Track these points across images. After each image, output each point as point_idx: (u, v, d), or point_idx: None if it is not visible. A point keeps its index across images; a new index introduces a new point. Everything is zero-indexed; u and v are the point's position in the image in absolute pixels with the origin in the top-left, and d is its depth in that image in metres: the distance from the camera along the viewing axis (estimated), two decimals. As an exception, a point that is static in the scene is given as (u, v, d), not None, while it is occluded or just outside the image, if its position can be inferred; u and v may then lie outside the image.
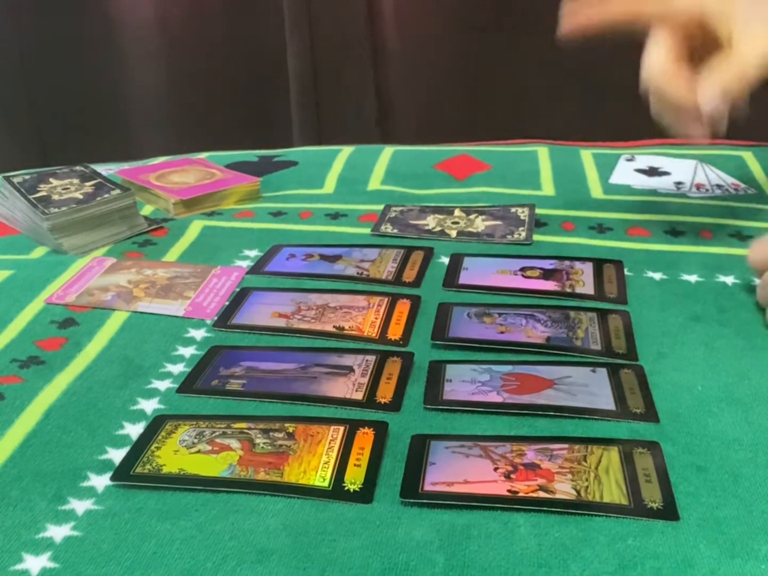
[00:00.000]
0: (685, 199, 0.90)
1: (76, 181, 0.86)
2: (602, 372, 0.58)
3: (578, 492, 0.47)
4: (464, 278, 0.73)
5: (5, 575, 0.43)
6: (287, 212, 0.89)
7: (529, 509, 0.46)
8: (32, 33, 1.72)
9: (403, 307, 0.68)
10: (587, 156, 1.02)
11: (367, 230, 0.84)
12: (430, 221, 0.85)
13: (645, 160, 1.01)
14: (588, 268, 0.74)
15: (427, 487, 0.48)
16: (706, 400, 0.56)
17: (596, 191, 0.93)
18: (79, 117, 1.77)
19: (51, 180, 0.86)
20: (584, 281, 0.72)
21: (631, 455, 0.50)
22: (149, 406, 0.57)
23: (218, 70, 1.77)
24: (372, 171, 0.99)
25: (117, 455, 0.52)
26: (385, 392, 0.57)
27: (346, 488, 0.48)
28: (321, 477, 0.49)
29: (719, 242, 0.79)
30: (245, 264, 0.77)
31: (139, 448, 0.52)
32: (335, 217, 0.87)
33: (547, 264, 0.75)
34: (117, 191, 0.83)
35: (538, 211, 0.87)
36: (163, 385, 0.59)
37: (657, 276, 0.73)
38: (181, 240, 0.82)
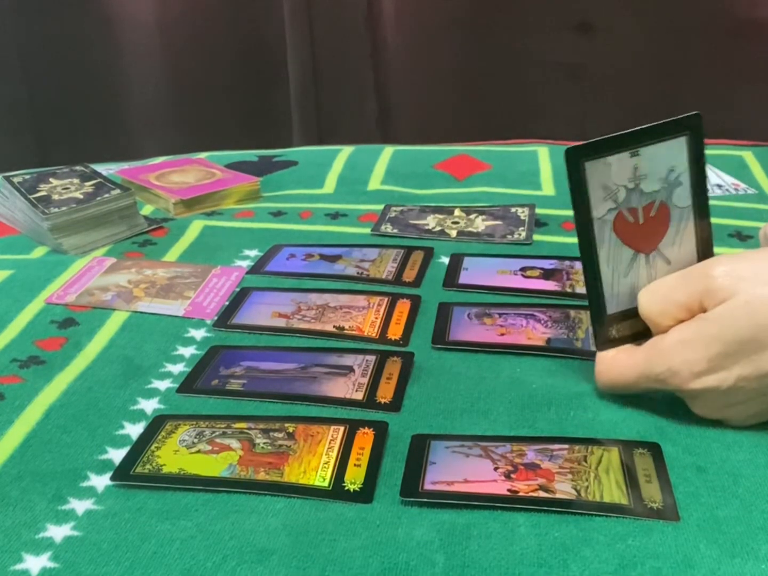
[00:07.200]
0: (685, 199, 0.90)
1: (76, 181, 0.86)
2: None
3: (578, 492, 0.47)
4: (464, 278, 0.73)
5: (5, 575, 0.43)
6: (287, 212, 0.89)
7: (529, 509, 0.46)
8: (32, 33, 1.72)
9: (403, 307, 0.68)
10: (587, 156, 1.02)
11: (367, 230, 0.84)
12: (430, 221, 0.85)
13: (645, 160, 1.01)
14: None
15: (427, 487, 0.48)
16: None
17: (596, 191, 0.93)
18: (79, 117, 1.77)
19: (51, 180, 0.86)
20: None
21: (631, 455, 0.50)
22: (149, 406, 0.57)
23: (218, 69, 1.77)
24: (372, 171, 0.99)
25: (117, 455, 0.52)
26: (385, 392, 0.57)
27: (346, 488, 0.48)
28: (321, 477, 0.49)
29: (719, 242, 0.79)
30: (245, 264, 0.77)
31: (139, 448, 0.52)
32: (335, 217, 0.87)
33: (547, 264, 0.75)
34: (117, 191, 0.83)
35: (538, 211, 0.87)
36: (163, 385, 0.59)
37: (657, 276, 0.73)
38: (181, 240, 0.82)
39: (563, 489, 0.48)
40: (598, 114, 1.62)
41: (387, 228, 0.83)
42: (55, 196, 0.82)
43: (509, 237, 0.81)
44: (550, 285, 0.72)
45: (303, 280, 0.74)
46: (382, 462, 0.51)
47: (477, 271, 0.74)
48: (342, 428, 0.53)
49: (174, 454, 0.51)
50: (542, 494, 0.47)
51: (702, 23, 1.59)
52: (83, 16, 1.72)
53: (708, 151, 1.01)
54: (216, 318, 0.68)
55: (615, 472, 0.49)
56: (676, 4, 1.60)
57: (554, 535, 0.45)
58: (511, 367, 0.60)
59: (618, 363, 0.54)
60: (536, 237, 0.81)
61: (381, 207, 0.88)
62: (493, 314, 0.66)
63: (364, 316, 0.67)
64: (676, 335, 0.51)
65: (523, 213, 0.86)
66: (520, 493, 0.47)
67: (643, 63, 1.62)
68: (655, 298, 0.53)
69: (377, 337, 0.64)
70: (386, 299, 0.69)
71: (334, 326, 0.66)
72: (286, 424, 0.54)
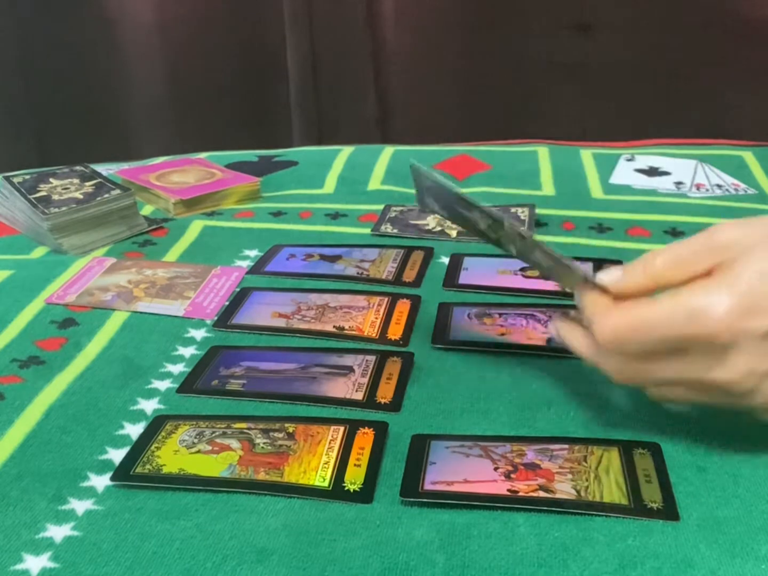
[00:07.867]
0: (685, 199, 0.90)
1: (76, 181, 0.86)
2: None
3: (578, 492, 0.47)
4: (464, 278, 0.73)
5: (5, 575, 0.43)
6: (287, 212, 0.89)
7: (529, 509, 0.46)
8: (32, 33, 1.72)
9: (403, 307, 0.68)
10: (587, 156, 1.02)
11: (367, 230, 0.84)
12: (430, 221, 0.85)
13: (645, 160, 1.01)
14: (588, 268, 0.74)
15: (427, 487, 0.48)
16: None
17: (596, 191, 0.93)
18: (79, 117, 1.77)
19: (51, 180, 0.86)
20: (584, 281, 0.72)
21: (631, 455, 0.50)
22: (149, 406, 0.57)
23: (218, 70, 1.77)
24: (372, 171, 0.99)
25: (117, 455, 0.52)
26: (385, 392, 0.57)
27: (346, 488, 0.48)
28: (321, 477, 0.49)
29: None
30: (245, 264, 0.77)
31: (139, 448, 0.52)
32: (335, 217, 0.87)
33: (547, 264, 0.75)
34: (117, 191, 0.83)
35: (538, 211, 0.86)
36: (163, 385, 0.59)
37: (657, 276, 0.73)
38: (181, 240, 0.82)
39: (563, 489, 0.47)
40: (598, 114, 1.62)
41: (387, 228, 0.83)
42: (55, 196, 0.82)
43: (509, 237, 0.81)
44: (550, 285, 0.71)
45: (303, 280, 0.74)
46: (382, 462, 0.51)
47: (477, 271, 0.74)
48: (342, 428, 0.53)
49: (174, 454, 0.51)
50: (542, 494, 0.47)
51: (702, 23, 1.59)
52: (83, 17, 1.72)
53: (708, 151, 1.01)
54: (216, 318, 0.68)
55: (615, 472, 0.49)
56: (677, 4, 1.60)
57: (554, 535, 0.45)
58: (511, 367, 0.60)
59: (636, 309, 0.47)
60: (536, 237, 0.81)
61: (381, 207, 0.88)
62: (493, 314, 0.66)
63: (364, 316, 0.67)
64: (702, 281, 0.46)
65: (523, 213, 0.86)
66: (520, 493, 0.47)
67: (643, 63, 1.62)
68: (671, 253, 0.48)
69: (377, 337, 0.64)
70: (386, 299, 0.69)
71: (334, 326, 0.66)
72: (286, 424, 0.54)
